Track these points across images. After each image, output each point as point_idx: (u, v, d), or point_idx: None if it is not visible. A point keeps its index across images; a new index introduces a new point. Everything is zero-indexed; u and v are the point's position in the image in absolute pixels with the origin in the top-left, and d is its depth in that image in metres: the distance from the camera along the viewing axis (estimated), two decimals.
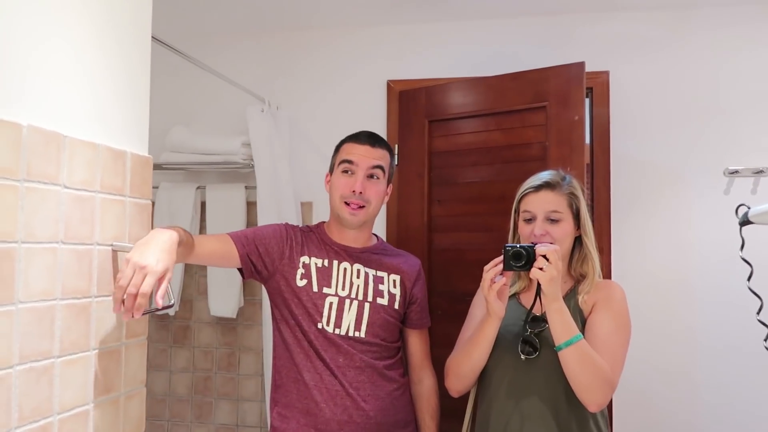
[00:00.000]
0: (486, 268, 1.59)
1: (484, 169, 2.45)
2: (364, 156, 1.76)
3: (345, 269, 1.76)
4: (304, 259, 1.75)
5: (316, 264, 1.75)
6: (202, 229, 2.82)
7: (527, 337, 1.64)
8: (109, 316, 1.24)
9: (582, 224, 1.70)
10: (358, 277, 1.76)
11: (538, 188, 1.69)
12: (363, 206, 1.75)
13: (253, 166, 2.62)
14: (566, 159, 2.21)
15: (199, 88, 2.88)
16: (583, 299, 1.66)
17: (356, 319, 1.71)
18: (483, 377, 1.73)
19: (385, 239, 2.65)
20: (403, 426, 1.75)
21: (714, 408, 2.39)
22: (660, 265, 2.48)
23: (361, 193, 1.73)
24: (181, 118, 2.86)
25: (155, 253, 1.23)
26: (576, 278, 1.73)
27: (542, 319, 1.64)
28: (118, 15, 1.29)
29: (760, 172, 2.38)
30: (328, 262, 1.75)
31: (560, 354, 1.52)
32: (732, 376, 2.36)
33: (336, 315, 1.70)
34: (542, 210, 1.66)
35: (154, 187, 2.76)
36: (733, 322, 2.36)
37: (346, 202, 1.74)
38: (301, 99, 2.82)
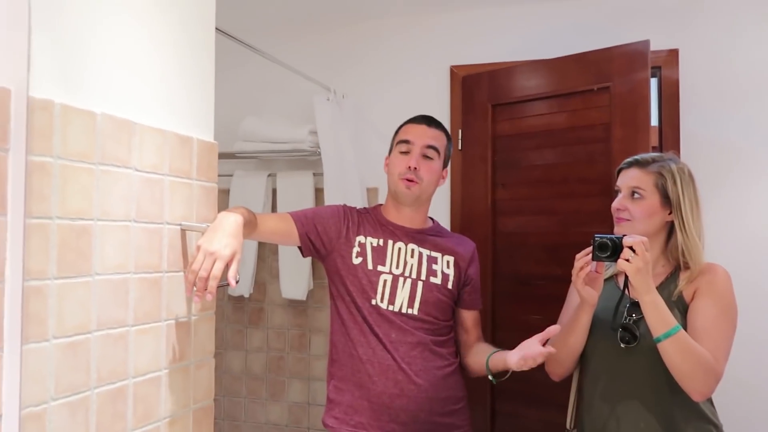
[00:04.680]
0: (577, 256, 1.60)
1: (547, 152, 2.44)
2: (420, 135, 1.82)
3: (399, 249, 1.80)
4: (360, 238, 1.81)
5: (371, 243, 1.80)
6: None
7: (626, 324, 1.61)
8: (179, 291, 1.34)
9: (674, 208, 1.63)
10: (412, 256, 1.80)
11: (629, 165, 1.71)
12: (417, 182, 1.79)
13: (320, 154, 2.71)
14: (631, 140, 2.17)
15: (268, 80, 2.99)
16: (684, 287, 1.60)
17: (409, 297, 1.76)
18: (582, 363, 1.73)
19: (449, 223, 2.69)
20: (454, 402, 1.78)
21: None
22: (738, 249, 2.36)
23: (415, 168, 1.77)
24: (253, 108, 2.98)
25: (223, 238, 1.33)
26: (674, 264, 1.66)
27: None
28: (186, 9, 1.38)
29: None
30: (383, 241, 1.81)
31: (659, 346, 1.49)
32: None
33: (390, 292, 1.75)
34: (627, 185, 1.68)
35: (228, 175, 2.91)
36: None
37: (401, 179, 1.79)
38: (366, 87, 2.87)
